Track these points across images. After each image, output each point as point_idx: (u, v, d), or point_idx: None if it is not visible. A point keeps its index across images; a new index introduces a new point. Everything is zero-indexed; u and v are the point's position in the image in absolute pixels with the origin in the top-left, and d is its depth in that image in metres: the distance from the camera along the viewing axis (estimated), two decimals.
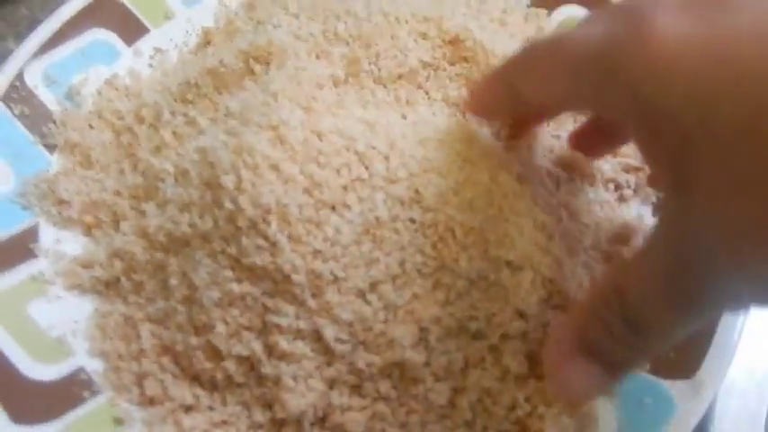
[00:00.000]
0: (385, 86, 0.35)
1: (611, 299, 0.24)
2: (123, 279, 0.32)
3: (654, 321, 0.23)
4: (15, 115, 0.36)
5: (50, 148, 0.36)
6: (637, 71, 0.20)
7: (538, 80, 0.25)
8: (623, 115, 0.22)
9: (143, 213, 0.32)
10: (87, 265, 0.32)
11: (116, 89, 0.38)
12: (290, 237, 0.27)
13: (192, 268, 0.29)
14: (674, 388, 0.29)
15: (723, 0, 0.19)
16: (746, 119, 0.18)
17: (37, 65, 0.37)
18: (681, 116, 0.19)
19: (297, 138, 0.28)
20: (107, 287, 0.32)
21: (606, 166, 0.35)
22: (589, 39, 0.22)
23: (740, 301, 0.22)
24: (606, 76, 0.21)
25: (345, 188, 0.28)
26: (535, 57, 0.26)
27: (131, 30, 0.40)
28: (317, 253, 0.28)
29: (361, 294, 0.28)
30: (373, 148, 0.29)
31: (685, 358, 0.30)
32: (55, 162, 0.35)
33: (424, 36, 0.36)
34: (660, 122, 0.20)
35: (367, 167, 0.29)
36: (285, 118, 0.29)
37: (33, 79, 0.37)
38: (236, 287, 0.28)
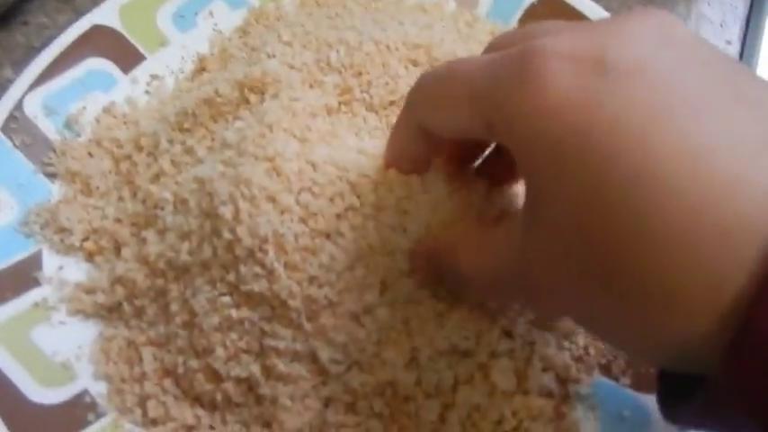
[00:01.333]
0: (376, 113, 0.36)
1: (446, 261, 0.28)
2: (125, 304, 0.33)
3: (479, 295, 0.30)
4: (16, 146, 0.37)
5: (51, 176, 0.37)
6: (516, 112, 0.22)
7: (437, 110, 0.26)
8: (506, 144, 0.24)
9: (143, 240, 0.33)
10: (90, 291, 0.34)
11: (114, 117, 0.39)
12: (286, 265, 0.29)
13: (191, 294, 0.31)
14: (651, 402, 0.31)
15: (607, 67, 0.21)
16: (573, 194, 0.21)
17: (36, 95, 0.38)
18: (540, 165, 0.22)
19: (292, 169, 0.30)
20: (110, 312, 0.33)
21: None
22: (479, 72, 0.23)
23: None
24: (493, 109, 0.23)
25: (339, 217, 0.30)
26: (430, 87, 0.26)
27: (127, 57, 0.41)
28: (312, 279, 0.29)
29: (354, 318, 0.30)
30: (365, 176, 0.31)
31: None
32: (56, 191, 0.36)
33: (415, 63, 0.38)
34: (526, 161, 0.22)
35: (359, 196, 0.30)
36: (281, 149, 0.30)
37: (33, 109, 0.38)
38: (234, 313, 0.29)
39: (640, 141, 0.20)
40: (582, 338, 0.33)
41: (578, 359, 0.32)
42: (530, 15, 0.43)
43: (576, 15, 0.42)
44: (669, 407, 0.23)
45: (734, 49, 0.48)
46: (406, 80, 0.37)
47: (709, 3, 0.50)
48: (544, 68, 0.21)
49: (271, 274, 0.29)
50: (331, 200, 0.30)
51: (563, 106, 0.21)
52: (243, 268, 0.29)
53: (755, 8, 0.49)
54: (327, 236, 0.29)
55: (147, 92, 0.41)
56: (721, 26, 0.49)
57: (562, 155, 0.21)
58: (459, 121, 0.25)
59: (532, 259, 0.23)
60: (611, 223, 0.20)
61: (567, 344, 0.32)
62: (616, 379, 0.32)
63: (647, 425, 0.30)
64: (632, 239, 0.19)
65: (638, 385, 0.32)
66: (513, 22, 0.43)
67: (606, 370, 0.32)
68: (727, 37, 0.48)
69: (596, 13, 0.42)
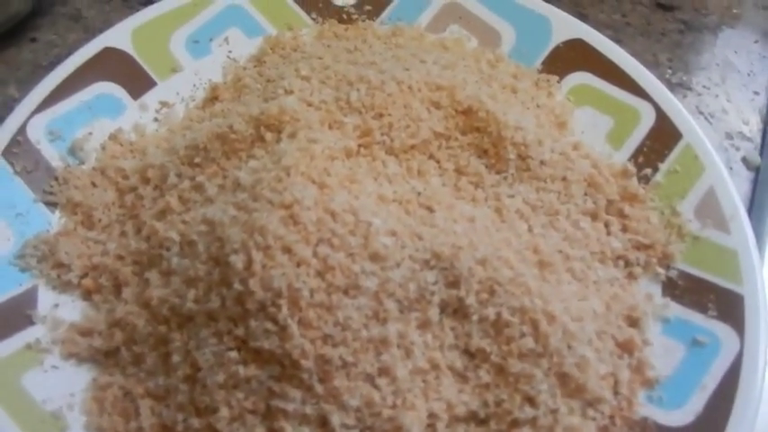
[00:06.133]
0: (397, 157, 0.34)
1: None
2: (123, 350, 0.31)
3: None
4: (17, 172, 0.35)
5: (52, 206, 0.35)
6: None
7: None
8: None
9: (146, 281, 0.31)
10: (86, 333, 0.31)
11: (120, 145, 0.37)
12: (300, 321, 0.27)
13: (195, 346, 0.29)
14: None
15: None
16: None
17: (40, 118, 0.36)
18: None
19: (310, 218, 0.28)
20: (106, 357, 0.31)
21: (616, 242, 0.35)
22: None
23: None
24: None
25: (358, 271, 0.28)
26: None
27: (138, 83, 0.39)
28: (326, 338, 0.27)
29: (370, 379, 0.28)
30: (385, 226, 0.29)
31: None
32: (56, 221, 0.34)
33: (437, 105, 0.36)
34: None
35: (379, 249, 0.28)
36: (299, 196, 0.28)
37: (36, 134, 0.36)
38: (241, 370, 0.27)
39: None
40: (607, 407, 0.31)
41: (603, 429, 0.30)
42: (554, 57, 0.42)
43: (599, 58, 0.41)
44: None
45: (761, 100, 0.46)
46: (428, 123, 0.35)
47: (736, 51, 0.49)
48: None
49: (283, 330, 0.27)
50: (350, 253, 0.28)
51: None
52: (253, 323, 0.27)
53: None
54: (345, 292, 0.27)
55: (155, 119, 0.39)
56: (749, 75, 0.48)
57: None
58: None
59: None
60: None
61: (591, 412, 0.30)
62: None
63: None
64: None
65: None
66: (537, 64, 0.42)
67: None
68: (754, 88, 0.47)
69: (618, 55, 0.41)
